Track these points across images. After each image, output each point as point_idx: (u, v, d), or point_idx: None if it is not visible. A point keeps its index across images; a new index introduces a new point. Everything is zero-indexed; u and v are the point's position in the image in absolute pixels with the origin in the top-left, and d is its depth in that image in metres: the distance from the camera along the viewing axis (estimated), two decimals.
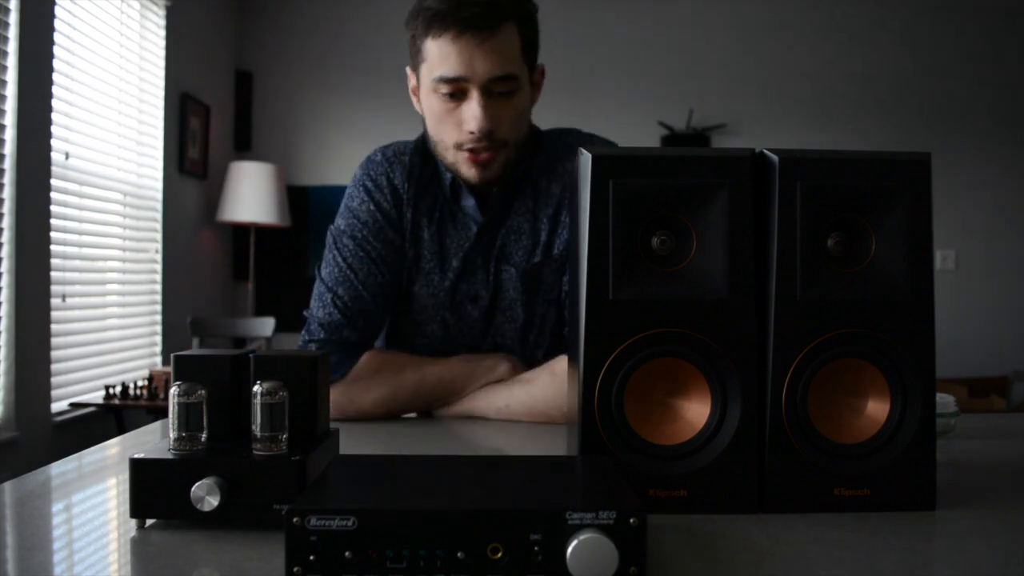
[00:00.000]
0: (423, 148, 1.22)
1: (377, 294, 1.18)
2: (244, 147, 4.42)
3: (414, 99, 1.20)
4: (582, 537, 0.48)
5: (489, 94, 1.10)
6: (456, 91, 1.10)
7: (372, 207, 1.20)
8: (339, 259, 1.18)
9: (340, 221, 1.22)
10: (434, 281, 1.21)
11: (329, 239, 1.21)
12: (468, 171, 1.14)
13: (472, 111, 1.09)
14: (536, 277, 1.21)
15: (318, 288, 1.18)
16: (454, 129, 1.12)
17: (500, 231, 1.21)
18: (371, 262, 1.18)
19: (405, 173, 1.20)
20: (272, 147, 4.40)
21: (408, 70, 1.20)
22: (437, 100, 1.12)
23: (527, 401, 1.10)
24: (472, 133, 1.10)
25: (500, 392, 1.13)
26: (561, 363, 1.09)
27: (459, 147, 1.13)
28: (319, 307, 1.17)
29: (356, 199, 1.21)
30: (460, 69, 1.07)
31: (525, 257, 1.21)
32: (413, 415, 1.19)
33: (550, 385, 1.08)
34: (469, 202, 1.20)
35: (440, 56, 1.08)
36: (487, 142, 1.11)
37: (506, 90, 1.10)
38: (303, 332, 1.18)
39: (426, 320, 1.23)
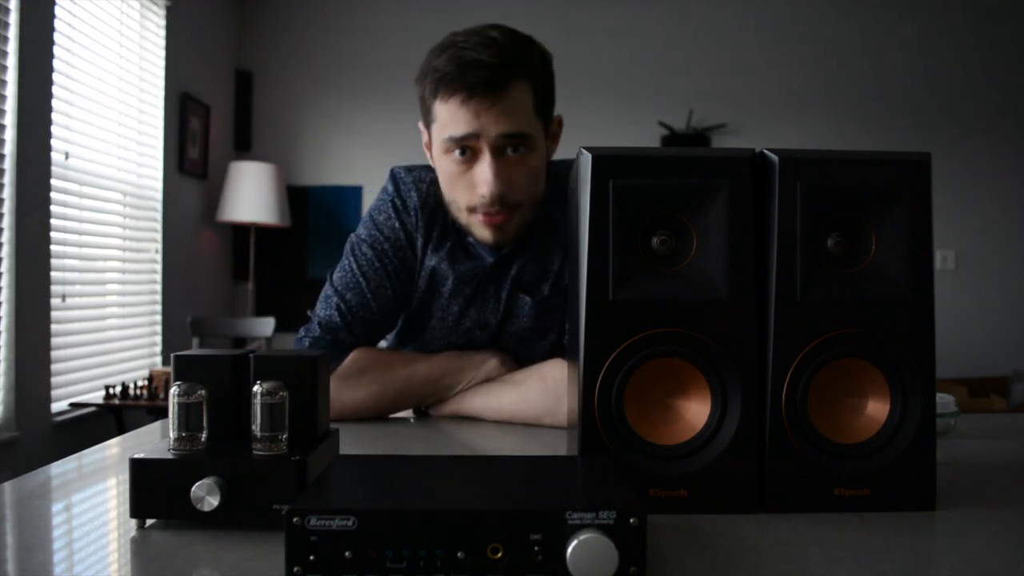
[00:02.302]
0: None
1: (383, 306, 1.18)
2: (244, 147, 4.42)
3: (427, 153, 1.20)
4: (582, 537, 0.48)
5: (501, 154, 1.08)
6: (466, 149, 1.08)
7: (397, 225, 1.20)
8: (354, 266, 1.19)
9: (362, 231, 1.22)
10: (443, 306, 1.21)
11: (348, 247, 1.21)
12: (482, 233, 1.14)
13: (483, 174, 1.08)
14: (547, 308, 1.21)
15: (325, 291, 1.20)
16: (466, 191, 1.11)
17: (516, 262, 1.21)
18: (385, 274, 1.18)
19: (421, 200, 1.20)
20: (272, 147, 4.40)
21: (420, 125, 1.19)
22: (449, 162, 1.11)
23: (518, 404, 1.10)
24: (484, 197, 1.09)
25: (493, 393, 1.13)
26: (551, 367, 1.10)
27: (472, 210, 1.12)
28: (323, 308, 1.18)
29: (383, 213, 1.21)
30: (469, 128, 1.06)
31: (537, 286, 1.21)
32: (411, 415, 1.19)
33: (541, 390, 1.08)
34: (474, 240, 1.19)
35: (449, 118, 1.08)
36: (499, 206, 1.10)
37: (518, 148, 1.09)
38: (301, 330, 1.19)
39: (433, 342, 1.24)
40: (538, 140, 1.12)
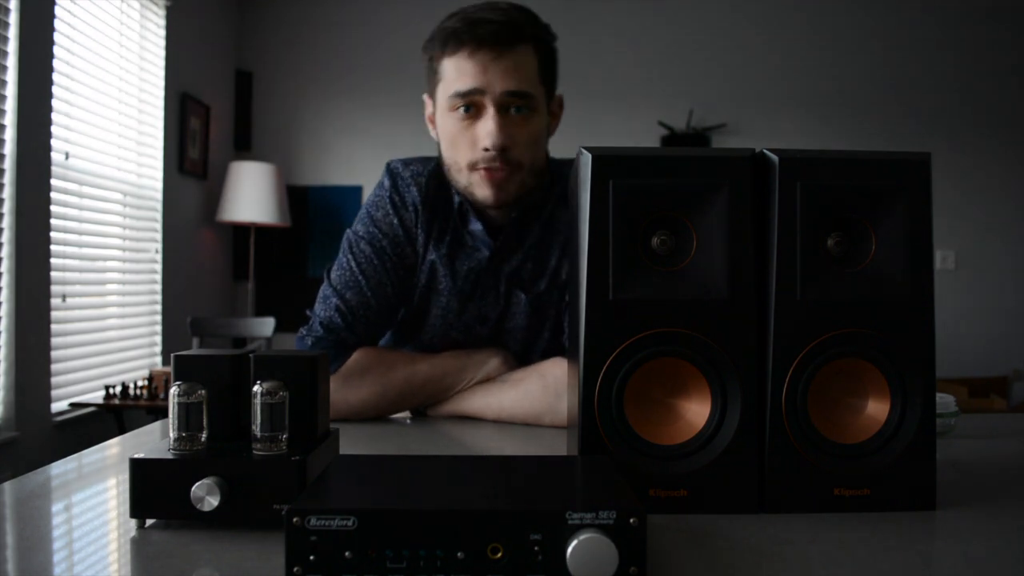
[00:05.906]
0: (439, 173, 1.20)
1: (383, 304, 1.17)
2: (244, 147, 4.42)
3: (430, 127, 1.21)
4: (582, 537, 0.48)
5: (505, 111, 1.10)
6: (471, 106, 1.10)
7: (396, 221, 1.19)
8: (352, 264, 1.17)
9: (360, 227, 1.20)
10: (444, 302, 1.21)
11: (345, 244, 1.20)
12: (483, 192, 1.13)
13: (487, 127, 1.09)
14: (542, 305, 1.21)
15: (324, 290, 1.18)
16: (468, 148, 1.11)
17: (514, 257, 1.20)
18: (384, 272, 1.17)
19: (421, 196, 1.19)
20: (272, 147, 4.40)
21: (425, 97, 1.20)
22: (452, 119, 1.12)
23: (518, 402, 1.10)
24: (487, 150, 1.09)
25: (492, 392, 1.13)
26: (551, 366, 1.10)
27: (473, 167, 1.12)
28: (323, 308, 1.16)
29: (381, 210, 1.20)
30: (475, 82, 1.08)
31: (534, 283, 1.21)
32: (407, 416, 1.19)
33: (540, 388, 1.09)
34: (476, 226, 1.19)
35: (456, 72, 1.10)
36: (501, 160, 1.10)
37: (522, 107, 1.10)
38: (301, 329, 1.17)
39: (435, 338, 1.23)
40: (540, 104, 1.13)
